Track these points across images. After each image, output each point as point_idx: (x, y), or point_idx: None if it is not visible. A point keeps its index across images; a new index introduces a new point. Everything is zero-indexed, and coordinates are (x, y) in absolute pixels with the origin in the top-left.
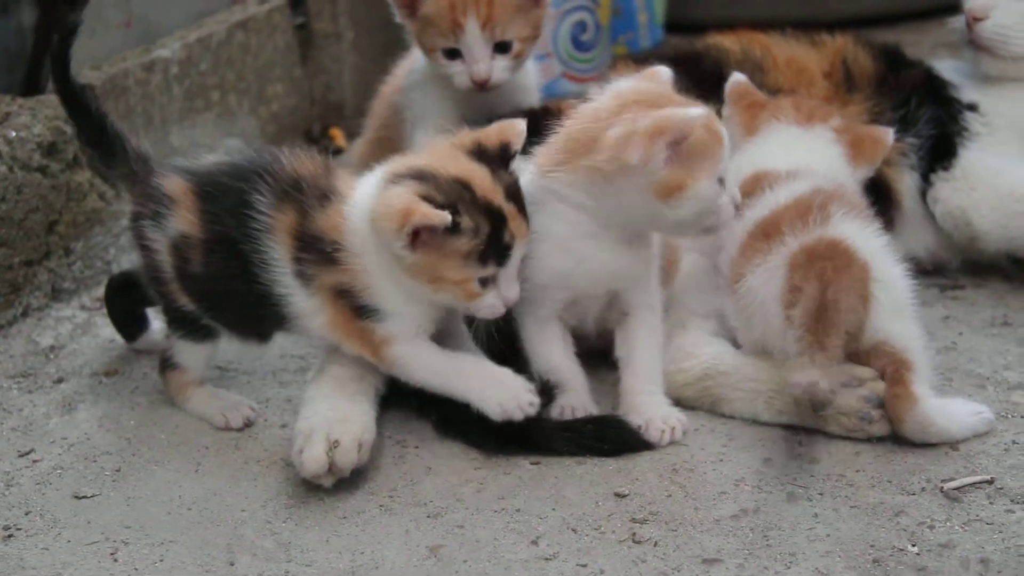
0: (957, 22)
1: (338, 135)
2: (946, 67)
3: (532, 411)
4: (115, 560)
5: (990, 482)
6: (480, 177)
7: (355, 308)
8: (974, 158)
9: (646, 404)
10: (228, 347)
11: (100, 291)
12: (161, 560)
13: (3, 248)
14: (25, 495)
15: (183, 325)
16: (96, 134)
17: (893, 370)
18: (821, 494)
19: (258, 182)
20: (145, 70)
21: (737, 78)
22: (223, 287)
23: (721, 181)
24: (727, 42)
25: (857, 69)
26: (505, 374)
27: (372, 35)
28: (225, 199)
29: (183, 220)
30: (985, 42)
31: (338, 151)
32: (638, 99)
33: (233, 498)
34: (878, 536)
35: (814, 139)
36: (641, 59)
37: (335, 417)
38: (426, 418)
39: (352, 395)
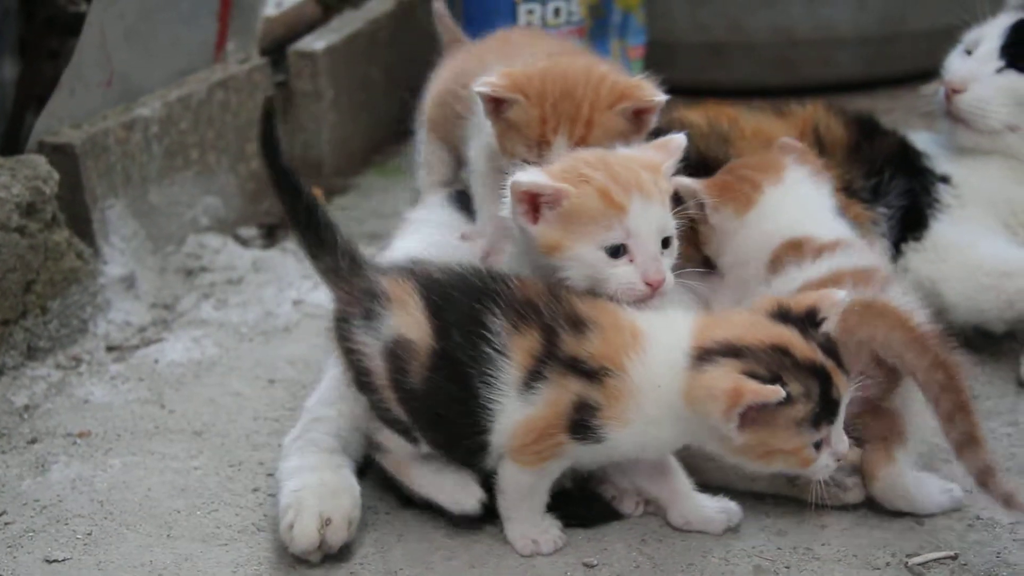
0: (935, 93)
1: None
2: (920, 138)
3: (547, 550)
4: None
5: (954, 558)
6: (794, 340)
7: (576, 424)
8: (945, 230)
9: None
10: (206, 406)
11: (75, 350)
12: None
13: None
14: None
15: (397, 427)
16: (305, 221)
17: (882, 432)
18: (787, 567)
19: (490, 302)
20: (125, 129)
21: (686, 183)
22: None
23: (617, 251)
24: (693, 116)
25: (829, 137)
26: (540, 518)
27: (352, 94)
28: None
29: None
30: (963, 114)
31: None
32: (588, 160)
33: (204, 564)
34: None
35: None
36: None
37: (326, 492)
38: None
39: (337, 468)
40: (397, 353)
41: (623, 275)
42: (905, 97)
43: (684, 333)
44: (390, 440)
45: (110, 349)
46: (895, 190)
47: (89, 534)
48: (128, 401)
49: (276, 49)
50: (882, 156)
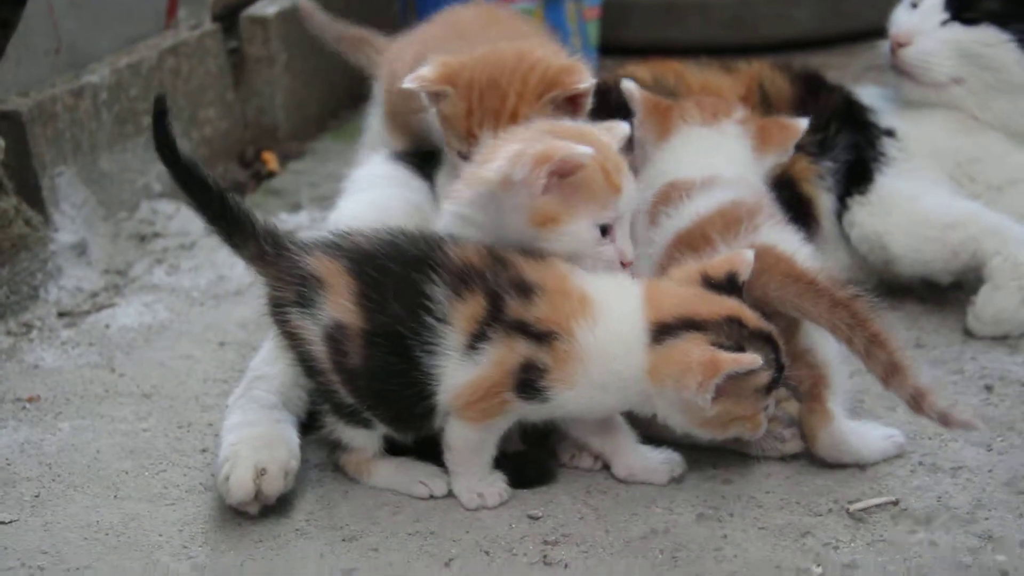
0: (883, 46)
1: (271, 159)
2: (866, 92)
3: (492, 503)
4: None
5: (895, 503)
6: (742, 309)
7: (523, 383)
8: (890, 183)
9: None
10: (156, 369)
11: (26, 316)
12: None
13: None
14: None
15: (349, 414)
16: (218, 213)
17: (811, 384)
18: (731, 515)
19: (429, 270)
20: (74, 96)
21: (628, 86)
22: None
23: (605, 230)
24: (640, 71)
25: (774, 92)
26: (485, 472)
27: (305, 59)
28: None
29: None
30: (908, 68)
31: (271, 174)
32: (554, 130)
33: (151, 523)
34: (784, 557)
35: (722, 137)
36: None
37: (261, 444)
38: None
39: (276, 422)
40: (336, 337)
41: (607, 253)
42: (861, 53)
43: (635, 304)
44: (350, 436)
45: (61, 315)
46: (840, 144)
47: (36, 496)
48: (78, 366)
49: (229, 15)
50: (827, 111)
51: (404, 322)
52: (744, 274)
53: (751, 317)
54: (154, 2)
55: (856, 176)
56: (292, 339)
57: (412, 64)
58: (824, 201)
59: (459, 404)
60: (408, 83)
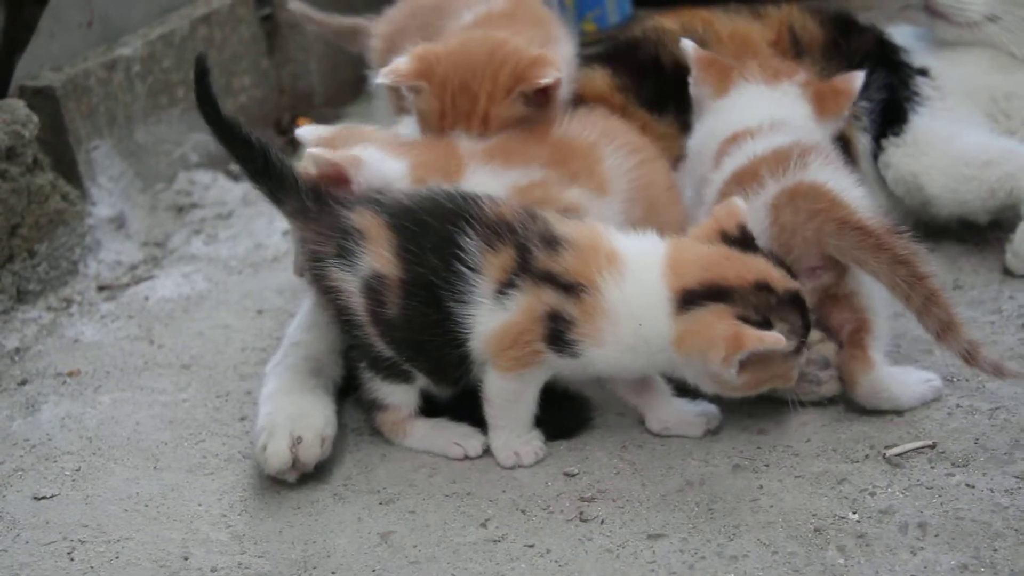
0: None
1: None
2: (898, 32)
3: (528, 461)
4: (71, 560)
5: (932, 447)
6: (770, 271)
7: (552, 334)
8: (924, 123)
9: None
10: (195, 340)
11: (66, 291)
12: (116, 557)
13: None
14: None
15: (385, 368)
16: (261, 169)
17: (853, 330)
18: (767, 465)
19: (463, 223)
20: (107, 69)
21: (687, 44)
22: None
23: None
24: (667, 22)
25: (805, 36)
26: (525, 429)
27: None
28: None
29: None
30: (941, 8)
31: None
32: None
33: (190, 493)
34: (820, 505)
35: (781, 96)
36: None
37: (297, 413)
38: None
39: (312, 389)
40: (374, 287)
41: None
42: None
43: (659, 265)
44: (387, 393)
45: (100, 289)
46: (874, 85)
47: (77, 470)
48: (118, 339)
49: None
50: (860, 52)
51: (439, 272)
52: (744, 222)
53: (778, 279)
54: None
55: (891, 117)
56: (330, 293)
57: (386, 44)
58: (861, 142)
59: (492, 351)
60: (383, 78)
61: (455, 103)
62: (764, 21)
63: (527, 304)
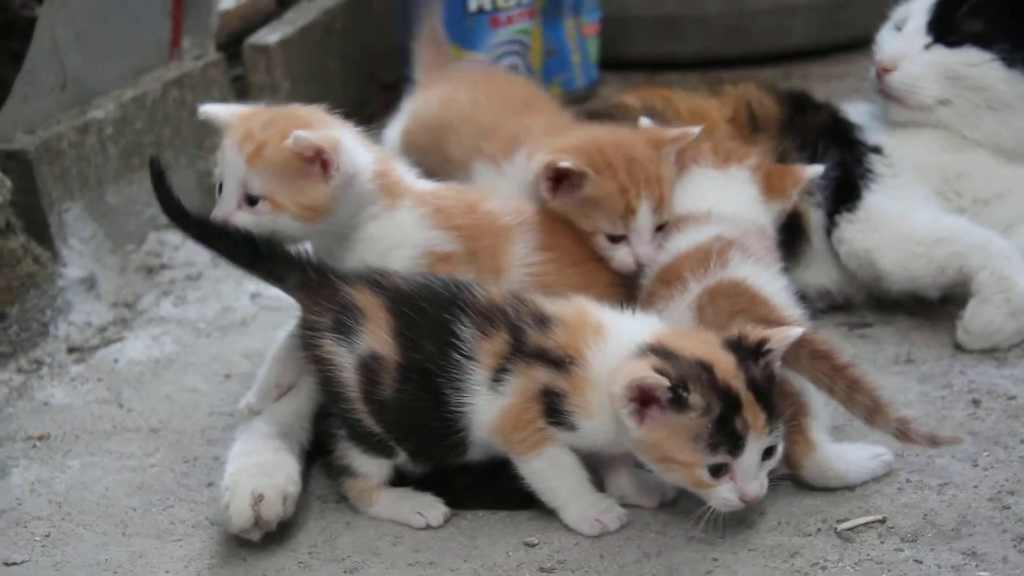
0: (869, 70)
1: None
2: (854, 109)
3: (614, 527)
4: None
5: (882, 521)
6: (725, 364)
7: (549, 409)
8: (877, 200)
9: None
10: (163, 403)
11: (36, 353)
12: None
13: None
14: None
15: (366, 441)
16: (252, 257)
17: (791, 414)
18: (722, 538)
19: (458, 311)
20: (79, 132)
21: (645, 123)
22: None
23: (617, 239)
24: (629, 100)
25: (762, 112)
26: (596, 496)
27: (308, 85)
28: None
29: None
30: (894, 92)
31: None
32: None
33: (158, 559)
34: None
35: (730, 180)
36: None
37: (258, 472)
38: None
39: (276, 450)
40: (370, 367)
41: (619, 256)
42: (860, 61)
43: (643, 336)
44: (361, 464)
45: (71, 350)
46: (828, 162)
47: (47, 535)
48: (87, 402)
49: (233, 43)
50: (815, 129)
51: (435, 359)
52: (776, 345)
53: (727, 372)
54: (158, 33)
55: (844, 193)
56: (320, 363)
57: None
58: (814, 217)
59: (500, 439)
60: (563, 163)
61: (632, 176)
62: (722, 98)
63: (521, 386)
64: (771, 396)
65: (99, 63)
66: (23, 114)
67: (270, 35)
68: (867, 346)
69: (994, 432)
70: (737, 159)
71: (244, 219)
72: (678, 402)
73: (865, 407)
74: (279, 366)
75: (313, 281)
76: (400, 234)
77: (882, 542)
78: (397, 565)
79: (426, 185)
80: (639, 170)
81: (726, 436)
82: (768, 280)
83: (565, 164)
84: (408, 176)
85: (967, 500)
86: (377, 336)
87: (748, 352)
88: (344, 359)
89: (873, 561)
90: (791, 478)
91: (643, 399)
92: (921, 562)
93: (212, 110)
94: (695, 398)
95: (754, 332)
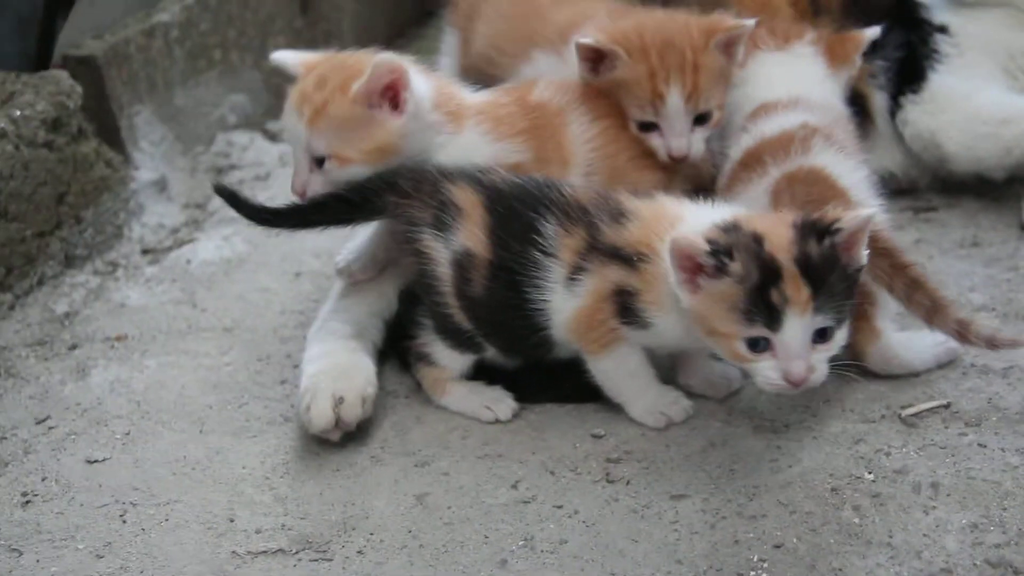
0: None
1: None
2: None
3: (679, 418)
4: (124, 522)
5: (947, 406)
6: (778, 236)
7: (622, 308)
8: (942, 81)
9: None
10: (236, 303)
11: (111, 255)
12: (166, 520)
13: (15, 223)
14: (41, 461)
15: (453, 336)
16: (347, 212)
17: (858, 302)
18: (786, 426)
19: (544, 209)
20: (146, 36)
21: None
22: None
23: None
24: None
25: None
26: (661, 390)
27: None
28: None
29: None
30: None
31: None
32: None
33: (235, 456)
34: (837, 465)
35: (795, 59)
36: None
37: (339, 374)
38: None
39: (353, 351)
40: (463, 264)
41: (653, 146)
42: None
43: (718, 219)
44: (443, 355)
45: (145, 252)
46: (892, 42)
47: (127, 433)
48: (162, 303)
49: None
50: (879, 9)
51: (519, 257)
52: (846, 226)
53: (778, 245)
54: None
55: (909, 74)
56: (419, 257)
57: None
58: (877, 100)
59: (576, 338)
60: (585, 39)
61: (664, 61)
62: None
63: (594, 286)
64: (827, 276)
65: None
66: (90, 20)
67: None
68: (932, 230)
69: None
70: (797, 36)
71: (318, 181)
72: (720, 269)
73: (925, 307)
74: (379, 239)
75: (409, 189)
76: (468, 155)
77: (946, 427)
78: (467, 458)
79: (481, 97)
80: (673, 55)
81: (762, 307)
82: (848, 170)
83: (590, 43)
84: (465, 94)
85: None
86: (472, 233)
87: (817, 231)
88: (440, 254)
89: (937, 446)
90: (857, 366)
91: (690, 266)
92: (985, 446)
93: (282, 57)
94: (735, 266)
95: (829, 213)
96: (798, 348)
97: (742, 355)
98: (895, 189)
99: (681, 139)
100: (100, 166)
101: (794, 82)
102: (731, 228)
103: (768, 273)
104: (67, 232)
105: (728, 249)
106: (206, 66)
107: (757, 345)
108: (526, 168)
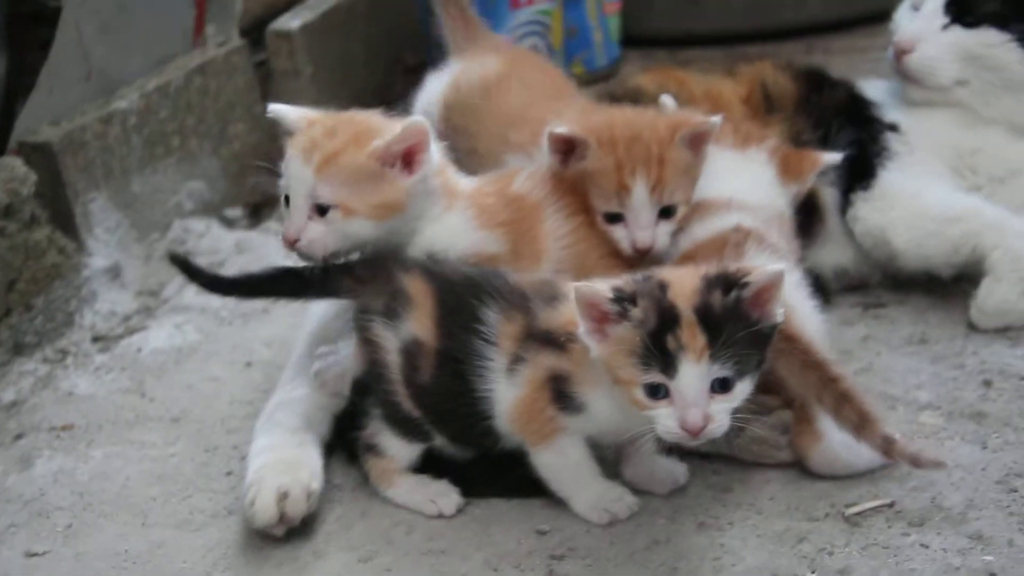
0: (887, 52)
1: None
2: (871, 86)
3: (624, 515)
4: None
5: (890, 505)
6: (683, 286)
7: (557, 394)
8: (892, 178)
9: None
10: (185, 392)
11: (61, 343)
12: None
13: None
14: None
15: (402, 424)
16: (300, 286)
17: (799, 404)
18: (731, 524)
19: (487, 296)
20: (103, 123)
21: (667, 100)
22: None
23: (614, 217)
24: (644, 81)
25: (777, 91)
26: (606, 486)
27: (331, 71)
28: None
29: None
30: (913, 73)
31: None
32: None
33: (176, 550)
34: (780, 564)
35: (748, 162)
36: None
37: (284, 468)
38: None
39: (300, 444)
40: (411, 352)
41: (617, 238)
42: (882, 34)
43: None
44: (391, 445)
45: (96, 340)
46: (843, 140)
47: (69, 526)
48: (111, 392)
49: (256, 29)
50: (831, 107)
51: (464, 346)
52: (754, 280)
53: (681, 293)
54: (182, 21)
55: (859, 171)
56: (369, 345)
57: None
58: (828, 196)
59: (515, 428)
60: (558, 129)
61: (631, 153)
62: (737, 79)
63: (531, 374)
64: (727, 326)
65: (123, 53)
66: (48, 106)
67: (292, 20)
68: (881, 326)
69: (1005, 413)
70: (756, 141)
71: (316, 229)
72: (623, 315)
73: (852, 422)
74: (359, 360)
75: (365, 276)
76: (452, 238)
77: (889, 527)
78: (410, 554)
79: (469, 183)
80: (639, 148)
81: (659, 353)
82: None
83: (563, 132)
84: (457, 175)
85: (975, 483)
86: (420, 323)
87: (725, 284)
88: (390, 342)
89: (880, 546)
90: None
91: (596, 315)
92: (927, 546)
93: (281, 110)
94: (635, 311)
95: (741, 268)
96: (694, 396)
97: (642, 402)
98: (847, 285)
99: (646, 231)
100: (52, 253)
101: (734, 182)
102: (643, 278)
103: (666, 319)
104: (17, 319)
105: (632, 296)
106: (164, 153)
107: (657, 392)
108: (501, 261)
